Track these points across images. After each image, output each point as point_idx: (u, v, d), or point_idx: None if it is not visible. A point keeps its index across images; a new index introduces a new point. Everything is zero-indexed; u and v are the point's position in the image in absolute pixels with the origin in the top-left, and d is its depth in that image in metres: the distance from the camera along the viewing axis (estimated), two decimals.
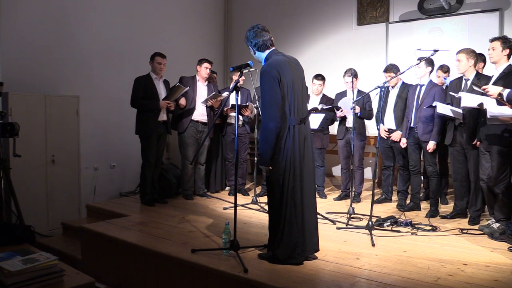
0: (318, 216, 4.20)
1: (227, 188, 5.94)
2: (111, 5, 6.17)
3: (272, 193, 3.08)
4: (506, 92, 3.12)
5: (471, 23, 5.88)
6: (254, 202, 4.90)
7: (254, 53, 3.19)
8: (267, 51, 3.14)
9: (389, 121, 4.81)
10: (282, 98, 2.97)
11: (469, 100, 3.69)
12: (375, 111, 5.07)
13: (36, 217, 4.77)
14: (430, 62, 4.44)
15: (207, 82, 5.32)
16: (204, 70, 5.18)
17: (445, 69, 4.96)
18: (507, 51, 3.67)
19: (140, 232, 3.88)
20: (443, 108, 4.03)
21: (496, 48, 3.69)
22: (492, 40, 3.75)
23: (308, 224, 3.08)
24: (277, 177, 3.02)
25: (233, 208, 3.26)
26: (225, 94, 5.34)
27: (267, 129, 2.96)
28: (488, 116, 3.41)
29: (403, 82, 4.85)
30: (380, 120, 4.75)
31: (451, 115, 4.01)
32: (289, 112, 2.99)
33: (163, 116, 4.90)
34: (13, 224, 4.07)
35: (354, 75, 4.91)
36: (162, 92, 4.92)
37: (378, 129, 4.68)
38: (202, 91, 5.25)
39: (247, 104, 5.25)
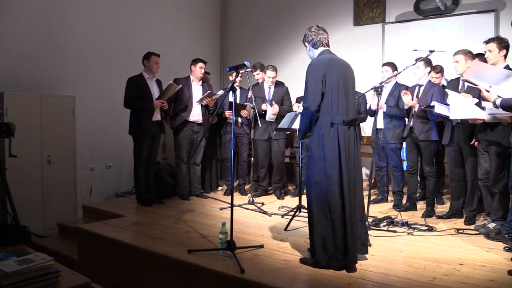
0: None
1: (220, 188, 5.94)
2: (107, 5, 6.15)
3: (310, 194, 3.04)
4: (499, 100, 3.12)
5: (467, 23, 5.90)
6: (251, 202, 4.89)
7: (309, 50, 3.20)
8: (321, 49, 3.15)
9: (378, 119, 4.80)
10: (324, 94, 2.96)
11: (458, 112, 3.76)
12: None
13: (31, 217, 4.74)
14: (429, 62, 4.45)
15: (201, 82, 5.32)
16: (199, 70, 5.18)
17: (437, 69, 4.96)
18: (504, 51, 3.66)
19: (137, 233, 3.87)
20: (441, 108, 4.04)
21: (492, 50, 3.67)
22: (487, 42, 3.72)
23: (325, 234, 2.94)
24: (315, 174, 2.99)
25: (230, 209, 3.27)
26: (220, 92, 5.34)
27: (303, 113, 3.07)
28: (487, 114, 3.42)
29: (396, 82, 4.87)
30: (374, 119, 4.74)
31: (449, 115, 4.01)
32: (331, 110, 2.95)
33: (157, 116, 4.88)
34: (9, 225, 4.05)
35: None
36: (155, 91, 4.90)
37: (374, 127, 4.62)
38: (197, 91, 5.25)
39: (245, 104, 5.24)
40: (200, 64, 5.18)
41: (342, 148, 2.93)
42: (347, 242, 2.89)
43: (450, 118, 3.92)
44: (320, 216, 2.95)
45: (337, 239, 2.90)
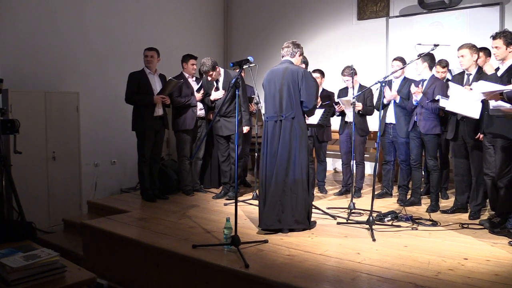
0: (318, 211, 4.26)
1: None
2: (110, 2, 6.16)
3: None
4: (505, 94, 3.11)
5: (472, 17, 5.86)
6: (255, 197, 4.90)
7: None
8: (281, 59, 3.88)
9: (389, 114, 4.81)
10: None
11: (455, 105, 3.81)
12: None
13: (37, 213, 4.78)
14: (426, 57, 4.43)
15: (194, 77, 5.34)
16: (191, 67, 5.21)
17: (443, 63, 4.92)
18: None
19: (141, 228, 3.89)
20: (445, 102, 4.02)
21: (499, 46, 3.60)
22: (494, 38, 3.65)
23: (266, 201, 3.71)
24: None
25: (234, 204, 3.27)
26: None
27: None
28: (491, 107, 3.41)
29: (404, 77, 4.85)
30: (379, 114, 4.73)
31: (454, 110, 3.99)
32: (265, 110, 3.86)
33: (158, 111, 4.87)
34: (15, 221, 4.08)
35: (351, 73, 4.85)
36: (157, 86, 4.89)
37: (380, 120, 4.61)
38: (194, 86, 5.27)
39: (253, 97, 5.26)
40: (192, 61, 5.21)
41: (267, 139, 3.73)
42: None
43: (446, 109, 3.94)
44: (260, 185, 3.84)
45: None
